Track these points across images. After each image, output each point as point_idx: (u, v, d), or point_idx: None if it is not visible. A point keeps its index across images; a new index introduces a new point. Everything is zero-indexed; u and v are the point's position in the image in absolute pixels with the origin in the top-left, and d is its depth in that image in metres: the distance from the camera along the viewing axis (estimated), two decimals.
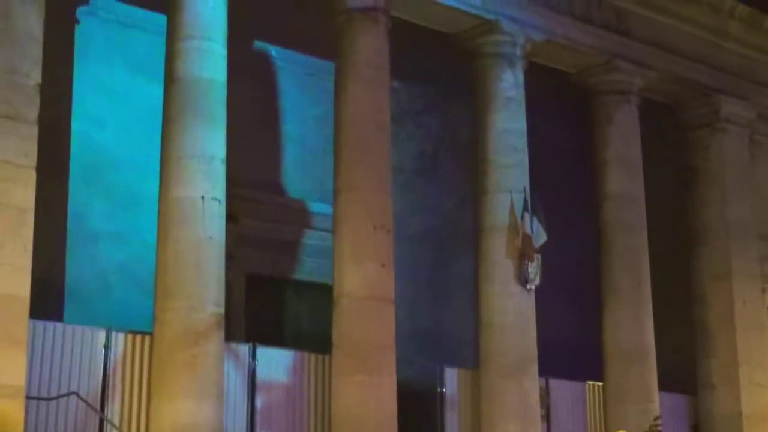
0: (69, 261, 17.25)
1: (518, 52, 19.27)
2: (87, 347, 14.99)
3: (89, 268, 17.44)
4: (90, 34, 17.99)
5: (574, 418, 19.95)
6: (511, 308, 18.30)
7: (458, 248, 21.24)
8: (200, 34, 15.79)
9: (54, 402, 14.50)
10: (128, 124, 18.22)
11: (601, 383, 20.12)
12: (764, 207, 22.97)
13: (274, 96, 20.46)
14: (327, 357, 16.90)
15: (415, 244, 20.92)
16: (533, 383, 18.40)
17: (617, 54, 20.59)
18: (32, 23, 14.00)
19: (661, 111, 22.25)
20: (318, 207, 19.69)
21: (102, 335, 15.15)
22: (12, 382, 13.18)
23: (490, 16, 18.97)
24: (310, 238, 19.94)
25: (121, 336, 15.29)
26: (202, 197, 15.32)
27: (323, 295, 17.63)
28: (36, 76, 13.93)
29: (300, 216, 19.98)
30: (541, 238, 18.30)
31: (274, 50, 20.34)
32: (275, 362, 16.73)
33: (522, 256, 18.28)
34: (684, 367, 21.64)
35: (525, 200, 18.43)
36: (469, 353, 19.16)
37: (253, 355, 16.47)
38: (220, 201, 15.53)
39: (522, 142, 19.03)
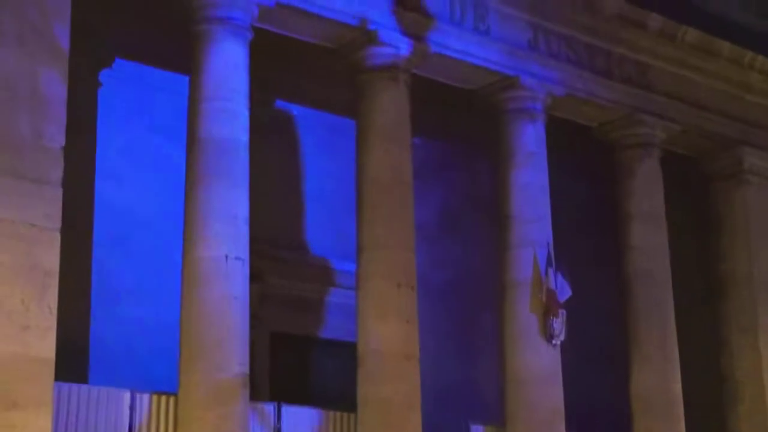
0: (93, 321, 17.27)
1: (539, 107, 19.32)
2: (112, 409, 14.95)
3: (113, 329, 17.44)
4: (113, 96, 18.13)
5: None
6: (536, 364, 18.20)
7: (482, 303, 21.17)
8: (222, 95, 15.91)
9: None
10: (151, 185, 18.32)
11: None
12: None
13: (296, 154, 20.54)
14: (352, 415, 16.82)
15: (438, 299, 20.86)
16: None
17: (639, 107, 20.60)
18: (56, 87, 14.12)
19: (683, 162, 22.22)
20: (341, 264, 19.68)
21: (127, 396, 15.12)
22: None
23: (511, 72, 19.03)
24: (334, 296, 19.93)
25: (146, 397, 15.26)
26: (226, 256, 15.35)
27: (348, 352, 17.56)
28: (60, 139, 14.03)
29: (324, 274, 19.98)
30: (565, 292, 18.23)
31: (295, 109, 20.44)
32: (300, 421, 16.64)
33: (546, 312, 18.20)
34: (712, 417, 21.44)
35: (548, 255, 18.38)
36: (495, 409, 19.03)
37: (279, 415, 16.39)
38: (243, 260, 15.54)
39: (544, 196, 19.03)
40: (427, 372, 17.41)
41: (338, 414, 17.02)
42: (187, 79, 16.47)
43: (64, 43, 14.30)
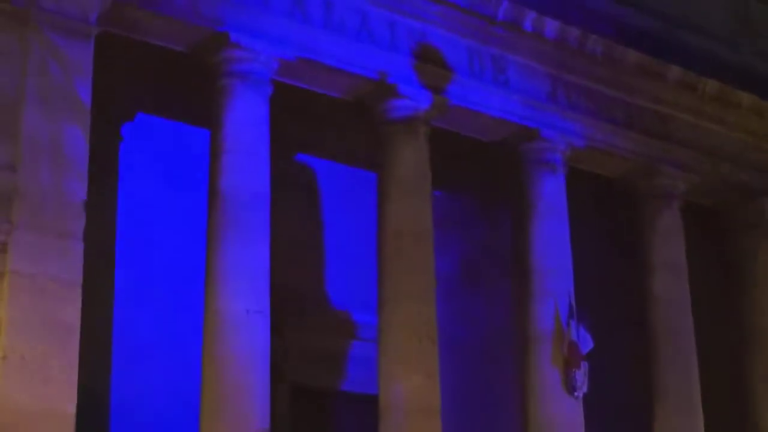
0: (114, 375, 17.23)
1: (559, 158, 19.32)
2: None
3: (134, 383, 17.41)
4: (134, 150, 18.21)
5: None
6: (559, 416, 18.08)
7: (504, 355, 21.04)
8: (242, 149, 16.00)
9: None
10: (172, 238, 18.35)
11: None
12: None
13: (316, 206, 20.57)
14: None
15: (460, 351, 20.75)
16: None
17: (659, 158, 20.57)
18: (78, 142, 14.25)
19: (705, 212, 22.14)
20: (363, 317, 19.63)
21: None
22: None
23: (531, 124, 19.06)
24: (356, 349, 19.87)
25: None
26: (247, 310, 15.34)
27: (369, 406, 17.47)
28: (82, 194, 14.13)
29: (345, 326, 19.93)
30: (587, 344, 18.13)
31: (316, 162, 20.49)
32: None
33: (568, 364, 18.10)
34: None
35: (570, 306, 18.31)
36: None
37: None
38: (264, 313, 15.53)
39: (565, 248, 18.99)
40: (448, 426, 17.31)
41: None
42: (208, 132, 16.56)
43: (86, 99, 14.46)
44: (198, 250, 16.16)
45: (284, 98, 16.93)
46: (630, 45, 20.10)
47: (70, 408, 13.44)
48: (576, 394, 18.14)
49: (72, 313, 13.72)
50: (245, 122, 16.11)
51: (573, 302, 18.39)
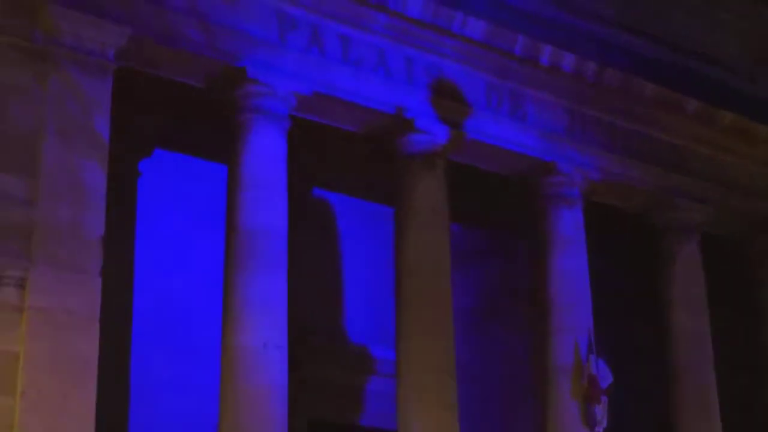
0: (132, 410, 17.23)
1: (576, 192, 19.27)
2: None
3: (152, 418, 17.42)
4: (151, 185, 18.28)
5: None
6: None
7: (523, 390, 20.97)
8: (260, 184, 16.01)
9: None
10: (190, 273, 18.39)
11: None
12: None
13: (334, 241, 20.60)
14: None
15: (478, 386, 20.69)
16: None
17: (676, 191, 20.51)
18: (96, 178, 14.31)
19: (723, 244, 22.05)
20: (380, 352, 19.61)
21: None
22: None
23: (548, 158, 19.05)
24: (373, 383, 19.82)
25: None
26: (264, 345, 15.32)
27: None
28: (99, 229, 14.18)
29: (362, 361, 19.91)
30: (607, 378, 18.02)
31: (333, 196, 20.52)
32: None
33: (588, 398, 17.99)
34: None
35: (589, 341, 18.22)
36: None
37: None
38: (281, 348, 15.51)
39: (584, 282, 18.91)
40: None
41: None
42: (225, 168, 16.60)
43: (104, 134, 14.54)
44: (216, 284, 16.17)
45: (301, 133, 16.98)
46: (646, 77, 20.09)
47: None
48: (596, 429, 18.01)
49: (90, 347, 13.74)
50: (263, 157, 16.13)
51: (592, 336, 18.30)
